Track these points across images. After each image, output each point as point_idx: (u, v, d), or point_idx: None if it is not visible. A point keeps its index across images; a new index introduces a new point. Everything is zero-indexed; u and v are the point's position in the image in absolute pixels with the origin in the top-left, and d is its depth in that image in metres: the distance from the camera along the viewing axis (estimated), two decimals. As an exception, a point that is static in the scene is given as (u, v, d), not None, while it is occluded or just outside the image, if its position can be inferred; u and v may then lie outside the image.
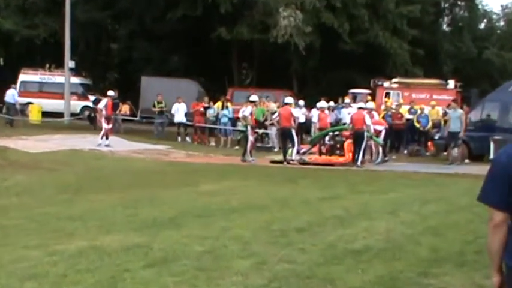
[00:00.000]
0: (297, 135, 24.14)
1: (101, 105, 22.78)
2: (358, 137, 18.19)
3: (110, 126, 22.10)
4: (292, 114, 18.89)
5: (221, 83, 38.36)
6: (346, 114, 25.01)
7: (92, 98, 31.02)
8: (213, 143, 25.20)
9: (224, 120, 25.10)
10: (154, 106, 27.08)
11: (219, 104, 26.33)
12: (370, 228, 8.28)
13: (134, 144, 23.00)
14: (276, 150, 22.08)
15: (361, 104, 20.00)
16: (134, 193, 11.81)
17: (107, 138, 21.37)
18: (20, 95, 32.92)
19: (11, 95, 28.89)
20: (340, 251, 6.95)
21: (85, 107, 32.28)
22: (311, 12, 31.29)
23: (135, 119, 30.63)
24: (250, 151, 18.94)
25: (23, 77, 34.66)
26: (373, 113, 19.37)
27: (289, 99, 19.85)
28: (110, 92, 23.34)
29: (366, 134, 18.20)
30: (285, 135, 18.86)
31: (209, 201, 10.51)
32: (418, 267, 6.30)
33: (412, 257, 6.70)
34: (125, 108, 29.88)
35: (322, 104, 21.79)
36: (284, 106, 19.59)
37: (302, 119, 24.37)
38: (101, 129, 21.57)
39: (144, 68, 37.73)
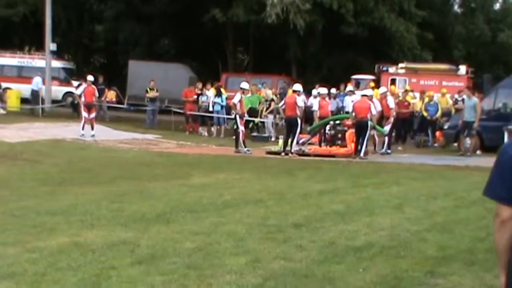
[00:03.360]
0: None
1: (78, 91, 22.67)
2: (361, 127, 18.19)
3: (93, 115, 21.92)
4: (296, 102, 18.89)
5: (214, 68, 38.39)
6: (350, 102, 25.05)
7: (75, 83, 30.95)
8: (205, 133, 25.18)
9: (217, 108, 25.06)
10: (147, 92, 27.02)
11: (212, 90, 26.26)
12: (373, 224, 8.32)
13: (121, 133, 23.00)
14: (273, 140, 22.09)
15: (365, 91, 19.98)
16: (121, 186, 11.82)
17: (92, 128, 21.32)
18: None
19: (36, 82, 29.46)
20: (341, 248, 6.99)
21: (68, 93, 32.18)
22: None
23: (122, 106, 30.59)
24: (244, 141, 18.93)
25: (-1, 60, 34.63)
26: (374, 100, 19.39)
27: (297, 87, 19.74)
28: (89, 77, 23.19)
29: (369, 123, 18.21)
30: (290, 125, 18.85)
31: (201, 195, 10.53)
32: (424, 266, 6.34)
33: (417, 255, 6.74)
34: (111, 95, 29.86)
35: (322, 90, 21.74)
36: (291, 94, 19.40)
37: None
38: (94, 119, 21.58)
39: (132, 52, 37.72)
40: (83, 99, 21.87)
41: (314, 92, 25.12)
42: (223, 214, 8.82)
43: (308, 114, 23.51)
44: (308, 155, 18.46)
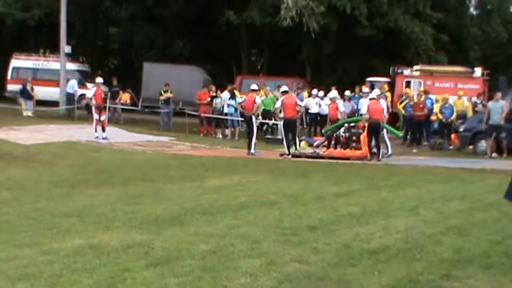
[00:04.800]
0: (309, 126, 24.24)
1: (89, 93, 22.79)
2: (375, 129, 18.20)
3: (104, 117, 22.07)
4: (297, 103, 19.01)
5: (229, 70, 38.41)
6: (365, 105, 24.97)
7: (90, 85, 31.05)
8: (219, 135, 25.23)
9: (231, 110, 25.11)
10: (161, 94, 27.10)
11: (225, 93, 26.31)
12: (388, 226, 8.29)
13: (135, 135, 23.10)
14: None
15: (372, 94, 20.01)
16: (135, 188, 11.86)
17: (103, 130, 21.43)
18: (10, 81, 33.32)
19: (71, 85, 29.72)
20: (356, 251, 6.96)
21: (83, 95, 32.24)
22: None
23: (136, 108, 30.69)
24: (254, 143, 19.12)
25: (15, 62, 34.80)
26: (382, 101, 19.45)
27: (285, 88, 20.07)
28: (99, 79, 23.31)
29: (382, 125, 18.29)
30: (291, 126, 18.87)
31: (215, 197, 10.55)
32: (439, 269, 6.30)
33: (433, 258, 6.70)
34: (125, 97, 29.96)
35: (332, 94, 21.78)
36: (287, 95, 19.48)
37: (315, 109, 24.41)
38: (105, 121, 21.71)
39: (146, 54, 37.81)
40: (93, 101, 21.97)
41: (314, 91, 25.09)
42: (238, 216, 8.82)
43: (323, 117, 23.50)
44: (322, 157, 18.45)
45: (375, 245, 7.24)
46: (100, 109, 21.92)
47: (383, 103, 19.43)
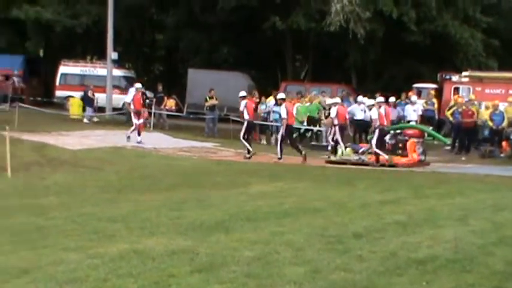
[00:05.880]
0: (354, 132, 24.17)
1: (128, 98, 23.06)
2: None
3: (141, 121, 22.37)
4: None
5: (273, 76, 38.43)
6: (412, 112, 24.71)
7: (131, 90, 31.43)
8: (264, 141, 25.24)
9: (275, 116, 25.06)
10: (206, 100, 27.26)
11: (270, 98, 26.32)
12: (436, 236, 8.13)
13: (180, 141, 23.26)
14: (329, 149, 21.98)
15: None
16: (180, 194, 11.93)
17: (139, 135, 21.70)
18: (59, 87, 33.94)
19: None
20: (403, 260, 6.85)
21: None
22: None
23: (181, 114, 30.92)
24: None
25: (63, 69, 35.45)
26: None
27: (281, 95, 20.84)
28: (138, 84, 23.59)
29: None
30: (292, 133, 20.04)
31: (260, 204, 10.54)
32: (491, 280, 6.15)
33: (484, 270, 6.54)
34: (170, 103, 30.22)
35: (380, 99, 21.64)
36: (287, 102, 20.27)
37: (361, 116, 24.19)
38: (146, 125, 21.92)
39: (192, 60, 38.11)
40: (132, 106, 22.24)
41: (359, 98, 24.73)
42: (282, 223, 8.79)
43: (368, 124, 23.30)
44: (368, 164, 18.30)
45: (423, 254, 7.11)
46: (139, 114, 22.24)
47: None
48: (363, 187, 13.20)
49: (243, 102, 20.48)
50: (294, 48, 38.22)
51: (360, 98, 25.27)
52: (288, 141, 19.83)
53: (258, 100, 26.42)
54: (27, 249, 7.35)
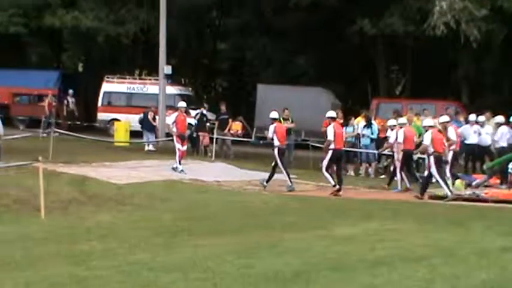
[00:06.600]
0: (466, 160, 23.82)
1: (169, 120, 23.41)
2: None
3: (185, 147, 22.82)
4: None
5: (362, 92, 38.31)
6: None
7: (193, 113, 31.74)
8: (351, 172, 25.11)
9: (366, 141, 24.94)
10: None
11: (359, 119, 26.22)
12: None
13: (248, 172, 23.38)
14: (434, 180, 21.68)
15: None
16: (249, 237, 11.97)
17: (179, 163, 22.05)
18: (101, 109, 34.43)
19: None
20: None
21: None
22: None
23: (249, 140, 31.08)
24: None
25: (106, 86, 36.18)
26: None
27: (274, 114, 21.73)
28: (181, 103, 24.05)
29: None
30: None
31: (347, 250, 10.48)
32: None
33: None
34: (236, 126, 30.33)
35: (498, 118, 21.37)
36: (278, 122, 21.33)
37: (474, 139, 23.79)
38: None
39: (261, 73, 38.32)
40: (174, 129, 22.59)
41: (471, 117, 24.28)
42: (376, 274, 8.73)
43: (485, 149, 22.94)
44: (485, 200, 17.98)
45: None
46: (183, 138, 22.71)
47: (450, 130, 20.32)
48: (479, 229, 12.99)
49: (331, 126, 20.39)
50: (388, 58, 38.05)
51: (472, 116, 24.88)
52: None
53: (343, 122, 26.37)
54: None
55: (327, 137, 20.48)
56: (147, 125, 30.06)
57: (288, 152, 27.17)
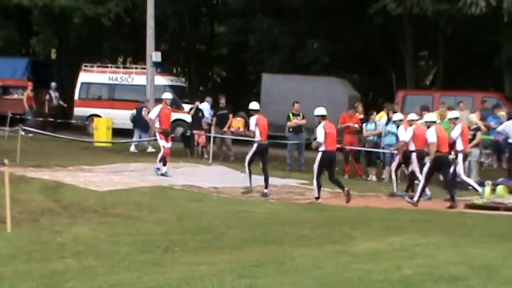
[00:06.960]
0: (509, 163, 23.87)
1: (152, 114, 23.41)
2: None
3: (169, 145, 22.90)
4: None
5: (386, 83, 38.29)
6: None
7: (187, 107, 31.72)
8: (373, 177, 25.11)
9: (390, 140, 24.85)
10: (289, 119, 27.27)
11: (382, 115, 26.16)
12: None
13: (252, 177, 23.36)
14: (470, 188, 21.68)
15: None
16: (252, 253, 11.97)
17: (164, 164, 22.18)
18: (78, 103, 34.38)
19: (207, 109, 30.74)
20: None
21: (178, 121, 32.84)
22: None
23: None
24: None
25: (84, 76, 36.08)
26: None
27: (254, 105, 22.36)
28: (166, 94, 24.27)
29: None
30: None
31: (368, 268, 10.47)
32: None
33: None
34: (237, 123, 30.31)
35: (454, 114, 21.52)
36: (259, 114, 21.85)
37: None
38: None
39: (267, 61, 38.32)
40: (157, 124, 22.67)
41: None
42: (404, 296, 8.72)
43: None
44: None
45: None
46: (167, 135, 22.87)
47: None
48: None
49: (321, 126, 20.27)
50: (416, 42, 38.03)
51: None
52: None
53: (364, 117, 26.35)
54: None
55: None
56: (139, 122, 29.75)
57: (299, 153, 27.20)
